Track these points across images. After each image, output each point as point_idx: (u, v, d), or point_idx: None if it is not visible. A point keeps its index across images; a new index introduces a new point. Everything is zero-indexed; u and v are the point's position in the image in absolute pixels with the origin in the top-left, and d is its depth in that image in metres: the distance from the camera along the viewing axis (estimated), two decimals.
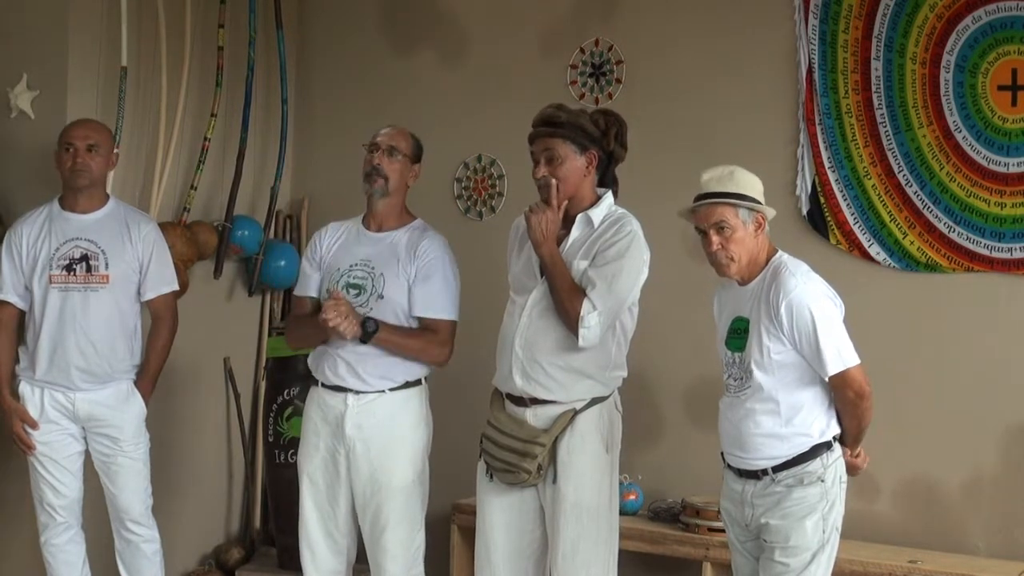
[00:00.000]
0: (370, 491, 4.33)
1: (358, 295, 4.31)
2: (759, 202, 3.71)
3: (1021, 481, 4.66)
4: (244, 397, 5.93)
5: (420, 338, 4.32)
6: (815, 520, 3.64)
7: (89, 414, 4.69)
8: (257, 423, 5.88)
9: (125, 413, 4.73)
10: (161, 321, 4.81)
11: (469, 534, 4.73)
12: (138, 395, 4.76)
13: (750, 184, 3.72)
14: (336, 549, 4.44)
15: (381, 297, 4.31)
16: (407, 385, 4.35)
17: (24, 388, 4.71)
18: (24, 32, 5.26)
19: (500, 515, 4.10)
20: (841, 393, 3.66)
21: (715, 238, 3.71)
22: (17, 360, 4.76)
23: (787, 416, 3.67)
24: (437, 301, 4.33)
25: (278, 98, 5.95)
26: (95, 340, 4.65)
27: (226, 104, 5.69)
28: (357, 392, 4.31)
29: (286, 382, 5.50)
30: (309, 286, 4.49)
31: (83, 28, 5.21)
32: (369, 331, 4.21)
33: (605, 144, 4.05)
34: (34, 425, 4.67)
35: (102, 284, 4.67)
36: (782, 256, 3.74)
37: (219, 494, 5.89)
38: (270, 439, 5.59)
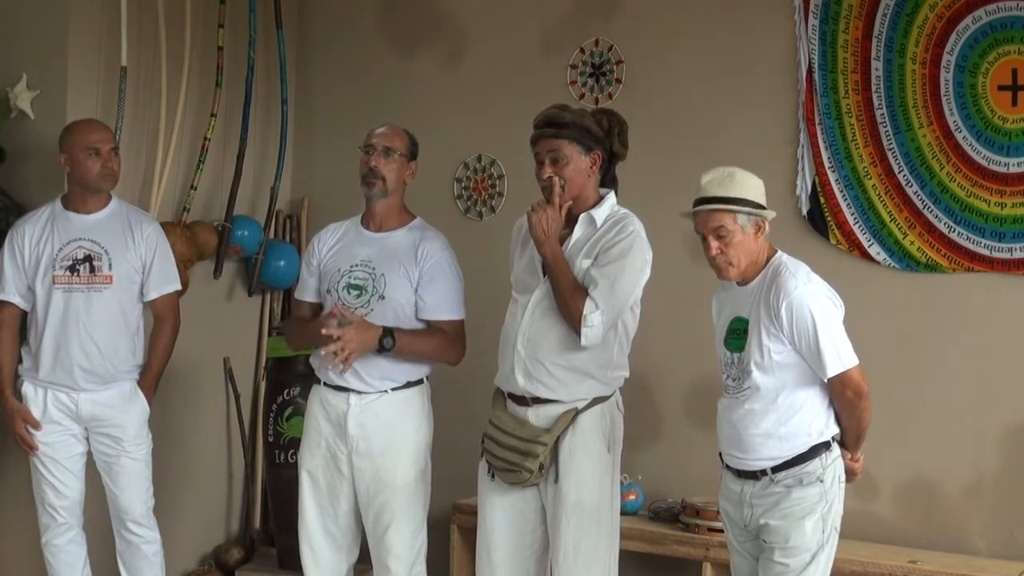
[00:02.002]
0: (374, 490, 4.33)
1: (359, 295, 4.32)
2: (760, 205, 3.70)
3: (1021, 481, 4.66)
4: (244, 397, 5.93)
5: (435, 340, 4.34)
6: (814, 520, 3.64)
7: (92, 414, 4.69)
8: (257, 423, 5.88)
9: (128, 413, 4.73)
10: (164, 321, 4.82)
11: (469, 534, 4.74)
12: (141, 395, 4.76)
13: (750, 187, 3.69)
14: (336, 547, 4.44)
15: (382, 298, 4.32)
16: (409, 384, 4.37)
17: (27, 388, 4.72)
18: (24, 32, 5.26)
19: (501, 515, 4.11)
20: (839, 394, 3.66)
21: (714, 243, 3.69)
22: (20, 360, 4.76)
23: (785, 416, 3.66)
24: (445, 303, 4.36)
25: (278, 98, 5.95)
26: (98, 340, 4.66)
27: (226, 104, 5.69)
28: (360, 392, 4.32)
29: (286, 382, 5.51)
30: (307, 291, 4.52)
31: (83, 28, 5.21)
32: (387, 348, 4.24)
33: (608, 144, 4.05)
34: (36, 425, 4.67)
35: (105, 284, 4.68)
36: (782, 256, 3.74)
37: (219, 494, 5.88)
38: (270, 439, 5.59)
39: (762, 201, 3.72)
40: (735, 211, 3.66)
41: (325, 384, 4.40)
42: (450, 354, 4.39)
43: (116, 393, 4.72)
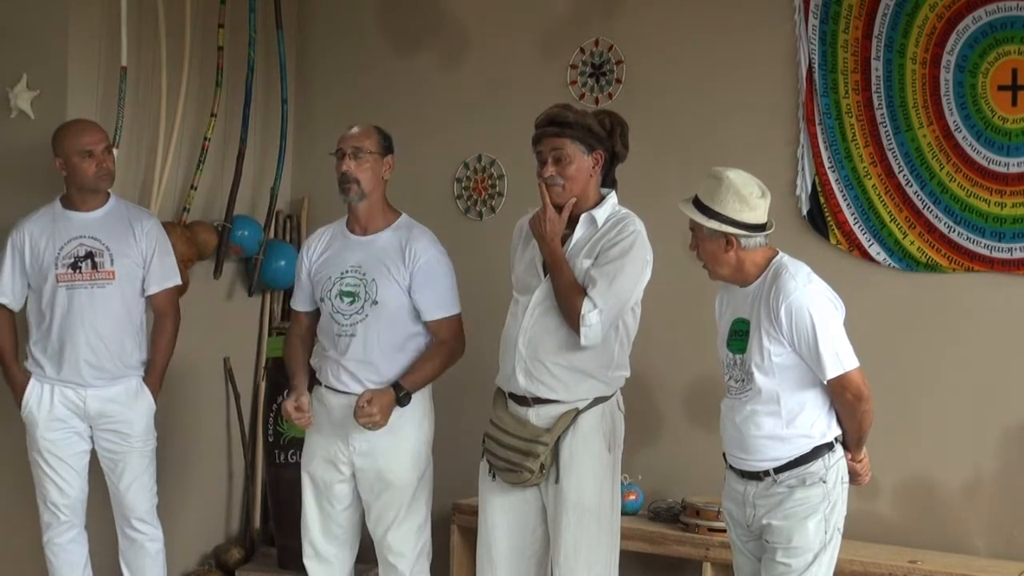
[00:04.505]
0: (376, 490, 4.35)
1: (352, 302, 4.34)
2: (734, 222, 3.65)
3: (1021, 481, 4.66)
4: (244, 397, 5.93)
5: (437, 359, 4.37)
6: (817, 521, 3.64)
7: (100, 411, 4.71)
8: (257, 423, 5.88)
9: (135, 410, 4.76)
10: (165, 317, 4.84)
11: (469, 534, 4.74)
12: (147, 392, 4.80)
13: (726, 204, 3.65)
14: (339, 547, 4.46)
15: (375, 303, 4.33)
16: None
17: (33, 386, 4.72)
18: (24, 32, 5.26)
19: (502, 515, 4.11)
20: (840, 396, 3.66)
21: (692, 238, 3.76)
22: (25, 357, 4.78)
23: (788, 418, 3.66)
24: (442, 301, 4.37)
25: (278, 98, 5.95)
26: (104, 336, 4.68)
27: (226, 104, 5.68)
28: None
29: (286, 382, 5.48)
30: (300, 301, 4.56)
31: (83, 28, 5.21)
32: (404, 402, 4.30)
33: (610, 145, 4.06)
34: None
35: (108, 280, 4.70)
36: (783, 258, 3.73)
37: (219, 494, 5.88)
38: (270, 439, 5.59)
39: (742, 218, 3.66)
40: (702, 223, 3.69)
41: (325, 386, 4.41)
42: (454, 357, 4.43)
43: (123, 389, 4.75)
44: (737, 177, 3.68)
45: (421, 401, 4.40)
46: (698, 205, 3.70)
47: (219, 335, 5.78)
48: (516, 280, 4.16)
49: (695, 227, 3.73)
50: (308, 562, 4.47)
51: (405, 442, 4.34)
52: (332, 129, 5.93)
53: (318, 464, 4.40)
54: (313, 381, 4.50)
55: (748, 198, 3.66)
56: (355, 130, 4.45)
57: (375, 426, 4.24)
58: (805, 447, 3.66)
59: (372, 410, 4.22)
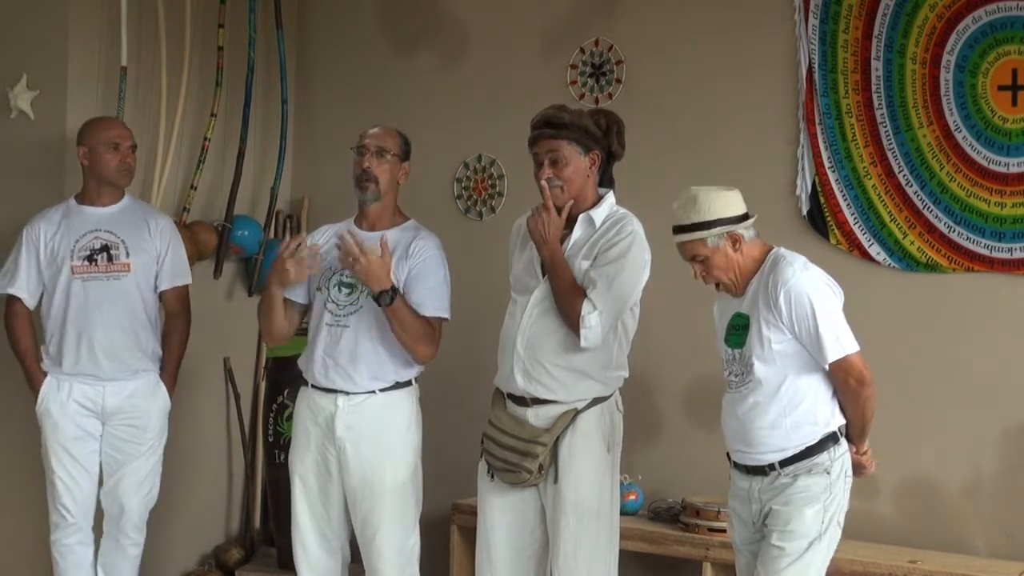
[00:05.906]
0: (362, 492, 4.32)
1: (350, 293, 4.33)
2: (729, 219, 3.68)
3: (1021, 481, 4.66)
4: (244, 397, 5.93)
5: (421, 326, 4.30)
6: (816, 509, 3.63)
7: (118, 407, 4.73)
8: (257, 423, 5.88)
9: (152, 405, 4.79)
10: (176, 316, 4.88)
11: (469, 534, 4.73)
12: (163, 388, 4.82)
13: (713, 206, 3.67)
14: (330, 549, 4.43)
15: (371, 295, 4.32)
16: (397, 386, 4.35)
17: (50, 383, 4.72)
18: (24, 32, 5.27)
19: (501, 515, 4.10)
20: (842, 381, 3.66)
21: (695, 267, 3.75)
22: (40, 358, 4.78)
23: (790, 406, 3.66)
24: (433, 299, 4.34)
25: (278, 98, 5.95)
26: (121, 327, 4.71)
27: (226, 104, 5.69)
28: (347, 393, 4.31)
29: (286, 382, 5.50)
30: (293, 290, 4.49)
31: (83, 28, 5.22)
32: (383, 304, 4.20)
33: (607, 144, 4.05)
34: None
35: (124, 272, 4.73)
36: (779, 250, 3.74)
37: (219, 494, 5.89)
38: (270, 439, 5.60)
39: (732, 212, 3.69)
40: (703, 236, 3.68)
41: (313, 386, 4.39)
42: (423, 345, 4.30)
43: (142, 384, 4.78)
44: (700, 187, 3.72)
45: (408, 405, 4.38)
46: (688, 229, 3.70)
47: (219, 335, 5.78)
48: (514, 280, 4.16)
49: (694, 253, 3.72)
50: (300, 566, 4.43)
51: (392, 445, 4.32)
52: (332, 129, 5.98)
53: (309, 466, 4.38)
54: (300, 382, 4.48)
55: (723, 194, 3.70)
56: (379, 130, 4.43)
57: (354, 262, 4.18)
58: (809, 436, 3.65)
59: (364, 253, 4.18)
